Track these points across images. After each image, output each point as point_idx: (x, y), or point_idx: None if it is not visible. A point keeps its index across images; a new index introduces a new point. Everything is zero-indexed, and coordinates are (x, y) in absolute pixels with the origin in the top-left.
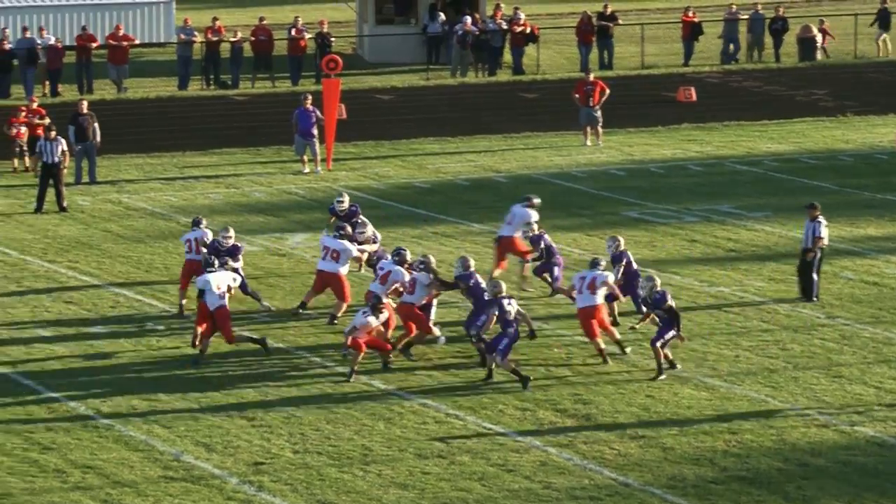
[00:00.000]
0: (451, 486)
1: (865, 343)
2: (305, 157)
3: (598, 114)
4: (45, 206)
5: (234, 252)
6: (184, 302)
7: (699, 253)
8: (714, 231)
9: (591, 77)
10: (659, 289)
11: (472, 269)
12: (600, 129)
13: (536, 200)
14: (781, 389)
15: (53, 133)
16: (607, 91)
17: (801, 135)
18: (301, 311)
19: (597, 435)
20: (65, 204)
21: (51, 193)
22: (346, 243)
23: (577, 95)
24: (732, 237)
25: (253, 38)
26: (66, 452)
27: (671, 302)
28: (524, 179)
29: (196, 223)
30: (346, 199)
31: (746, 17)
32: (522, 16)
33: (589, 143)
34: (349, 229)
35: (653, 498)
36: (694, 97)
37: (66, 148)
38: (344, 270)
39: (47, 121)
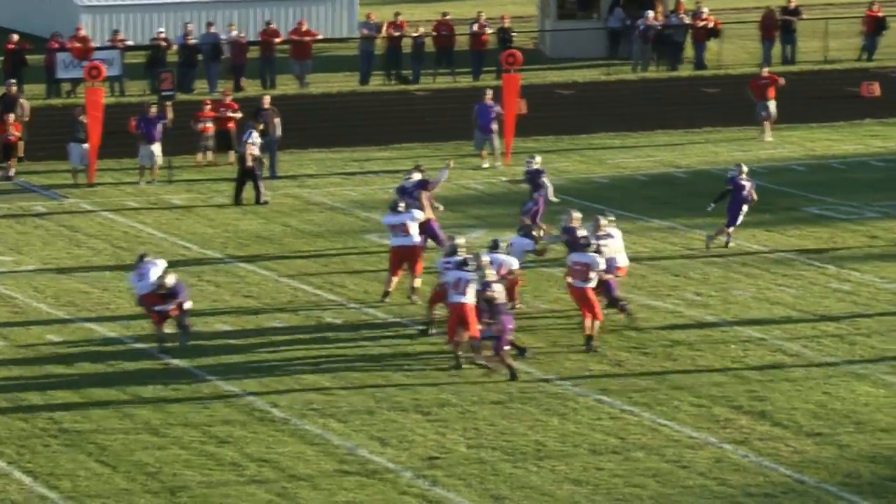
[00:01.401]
0: (624, 482)
1: None
2: (485, 152)
3: (773, 108)
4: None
5: None
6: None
7: (880, 249)
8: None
9: (766, 72)
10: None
11: None
12: (770, 124)
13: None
14: None
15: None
16: (781, 81)
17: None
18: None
19: (772, 432)
20: (263, 199)
21: (248, 190)
22: (406, 214)
23: (752, 90)
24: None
25: (435, 34)
26: (242, 446)
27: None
28: (704, 175)
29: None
30: (417, 175)
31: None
32: (705, 10)
33: (767, 137)
34: (402, 205)
35: (828, 496)
36: (878, 92)
37: (256, 141)
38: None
39: (240, 115)
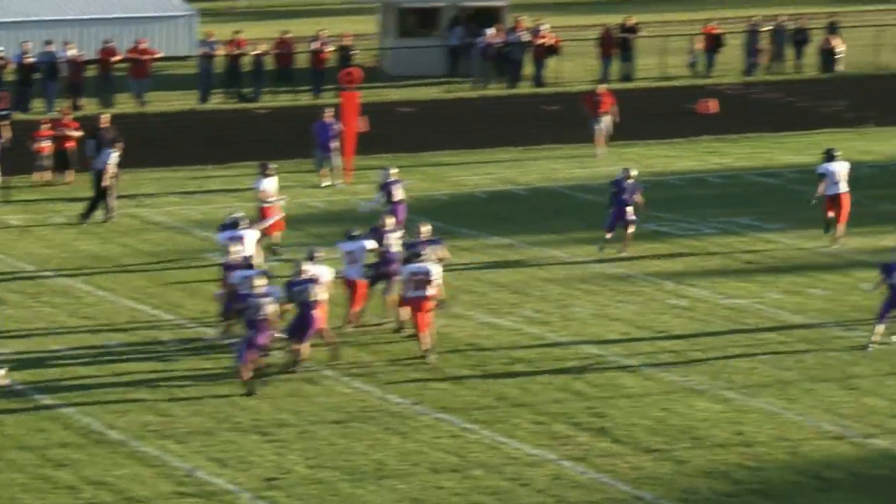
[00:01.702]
0: (464, 500)
1: (881, 355)
2: (325, 170)
3: (607, 124)
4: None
5: None
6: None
7: (716, 265)
8: (732, 243)
9: (600, 89)
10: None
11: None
12: (603, 139)
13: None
14: (796, 402)
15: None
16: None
17: (821, 146)
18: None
19: (611, 448)
20: (112, 215)
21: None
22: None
23: (585, 106)
24: (750, 249)
25: (275, 51)
26: (79, 469)
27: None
28: (544, 192)
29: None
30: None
31: (769, 28)
32: (544, 28)
33: (600, 152)
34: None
35: None
36: (715, 109)
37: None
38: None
39: (80, 133)
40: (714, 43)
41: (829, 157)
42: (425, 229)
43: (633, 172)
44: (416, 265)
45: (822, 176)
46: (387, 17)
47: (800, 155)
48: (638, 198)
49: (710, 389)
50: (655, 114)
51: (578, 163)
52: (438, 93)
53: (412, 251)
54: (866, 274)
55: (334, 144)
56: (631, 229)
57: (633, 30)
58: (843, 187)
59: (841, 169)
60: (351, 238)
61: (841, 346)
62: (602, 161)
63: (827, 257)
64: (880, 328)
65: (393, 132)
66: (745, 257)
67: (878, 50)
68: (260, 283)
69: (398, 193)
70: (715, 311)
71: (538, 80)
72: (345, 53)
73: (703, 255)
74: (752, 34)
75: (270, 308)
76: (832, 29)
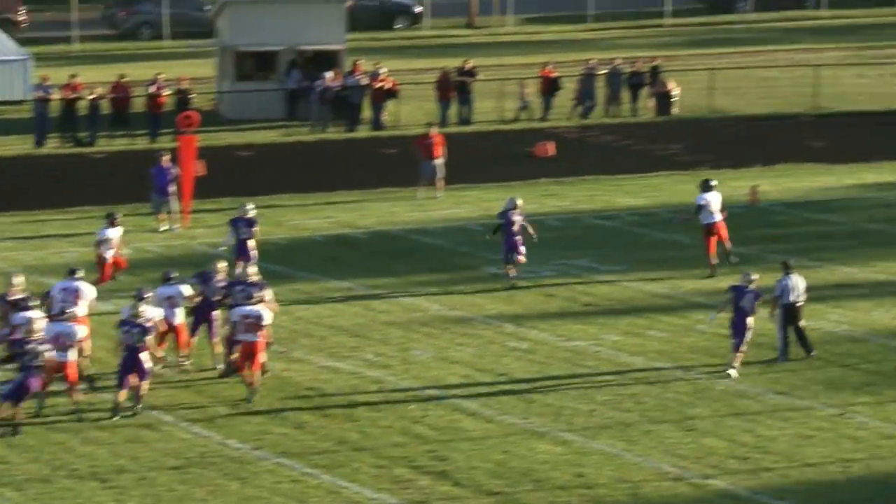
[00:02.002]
0: None
1: (719, 396)
2: (162, 215)
3: (440, 166)
4: None
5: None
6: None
7: (556, 307)
8: (571, 285)
9: (433, 131)
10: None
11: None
12: (441, 182)
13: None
14: (636, 443)
15: None
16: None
17: (657, 189)
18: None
19: (452, 492)
20: None
21: None
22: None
23: (419, 148)
24: (589, 291)
25: (111, 95)
26: None
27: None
28: (383, 235)
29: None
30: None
31: (605, 72)
32: (383, 71)
33: (435, 194)
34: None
35: None
36: (552, 152)
37: None
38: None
39: None
40: (551, 86)
41: (706, 187)
42: (252, 271)
43: (519, 202)
44: (247, 308)
45: (700, 207)
46: (224, 61)
47: (637, 197)
48: (530, 228)
49: (550, 432)
50: (494, 157)
51: (417, 206)
52: (276, 136)
53: (243, 293)
54: (702, 315)
55: (172, 188)
56: (520, 258)
57: (470, 73)
58: (718, 216)
59: (716, 199)
60: (167, 282)
61: (679, 387)
62: (440, 204)
63: (665, 299)
64: (737, 361)
65: (231, 176)
66: (584, 299)
67: (712, 93)
68: (38, 329)
69: (250, 231)
70: (554, 354)
71: (377, 124)
72: (182, 97)
73: (543, 298)
74: (588, 77)
75: (48, 355)
76: (655, 73)
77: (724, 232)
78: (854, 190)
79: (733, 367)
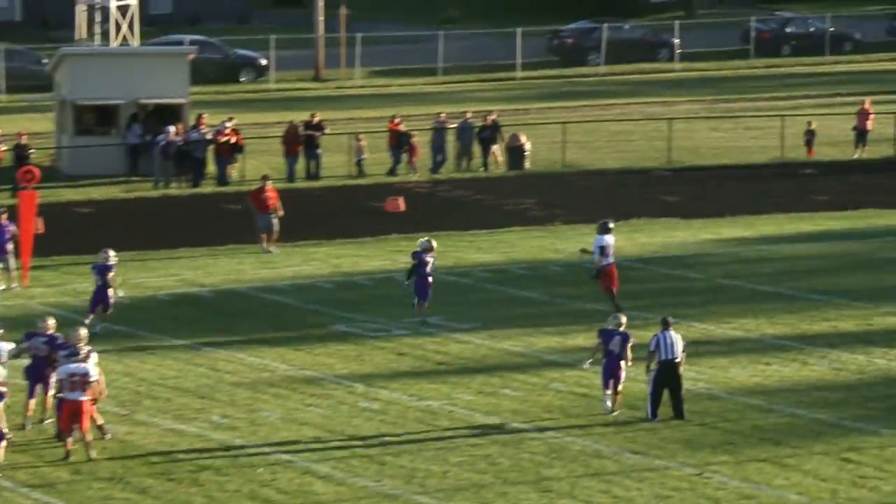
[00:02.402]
0: None
1: (575, 456)
2: (0, 273)
3: (276, 221)
4: None
5: None
6: None
7: (408, 366)
8: (423, 343)
9: (268, 185)
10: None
11: None
12: (275, 237)
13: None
14: None
15: None
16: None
17: (510, 244)
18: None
19: None
20: None
21: None
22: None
23: (253, 203)
24: (442, 349)
25: None
26: None
27: None
28: (229, 293)
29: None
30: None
31: (455, 125)
32: (228, 125)
33: (269, 248)
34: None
35: None
36: (402, 207)
37: None
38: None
39: None
40: (399, 140)
41: (605, 229)
42: (83, 333)
43: (434, 244)
44: (74, 365)
45: (602, 248)
46: (62, 115)
47: (490, 253)
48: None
49: (403, 494)
50: (343, 212)
51: (265, 263)
52: (118, 192)
53: (69, 351)
54: (557, 374)
55: (9, 247)
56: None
57: (318, 127)
58: (611, 259)
59: (613, 242)
60: None
61: (535, 447)
62: (288, 260)
63: (519, 357)
64: (608, 402)
65: (70, 234)
66: (436, 358)
67: (564, 147)
68: None
69: (108, 279)
70: (407, 414)
71: (221, 179)
72: (20, 153)
73: (394, 357)
74: (439, 131)
75: None
76: (495, 128)
77: (616, 279)
78: (710, 245)
79: (608, 405)
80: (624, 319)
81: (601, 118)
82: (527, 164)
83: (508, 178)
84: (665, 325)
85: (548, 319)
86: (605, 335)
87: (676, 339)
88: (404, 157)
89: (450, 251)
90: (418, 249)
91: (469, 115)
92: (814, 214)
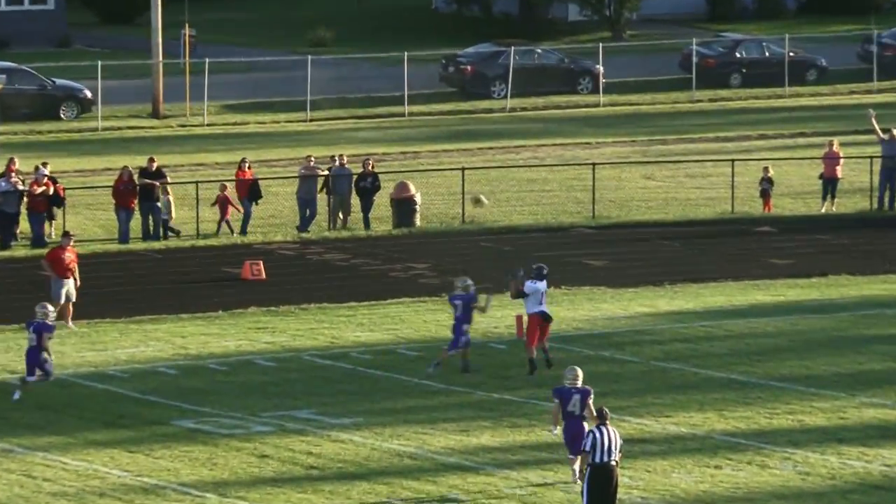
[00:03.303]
0: None
1: None
2: None
3: (72, 289)
4: None
5: None
6: None
7: (272, 471)
8: (290, 443)
9: (69, 244)
10: None
11: None
12: (71, 309)
13: None
14: None
15: None
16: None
17: (398, 320)
18: None
19: None
20: None
21: None
22: None
23: (50, 265)
24: (314, 450)
25: None
26: None
27: None
28: (48, 382)
29: None
30: None
31: (327, 172)
32: (45, 172)
33: (71, 324)
34: None
35: None
36: (263, 274)
37: None
38: None
39: None
40: (252, 190)
41: (540, 274)
42: None
43: (469, 281)
44: None
45: (535, 291)
46: None
47: (372, 331)
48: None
49: None
50: (190, 280)
51: (90, 346)
52: None
53: None
54: (458, 479)
55: None
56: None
57: (158, 174)
58: (545, 307)
59: (544, 288)
60: None
61: None
62: (124, 340)
63: (410, 460)
64: (575, 465)
65: None
66: (307, 461)
67: (463, 199)
68: None
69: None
70: None
71: (38, 239)
72: None
73: (255, 460)
74: (307, 180)
75: None
76: (376, 176)
77: (547, 329)
78: (645, 320)
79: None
80: (580, 372)
81: (508, 163)
82: (417, 221)
83: (395, 237)
84: (602, 418)
85: (446, 412)
86: (561, 395)
87: (614, 436)
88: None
89: (323, 328)
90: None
91: (345, 159)
92: (772, 282)
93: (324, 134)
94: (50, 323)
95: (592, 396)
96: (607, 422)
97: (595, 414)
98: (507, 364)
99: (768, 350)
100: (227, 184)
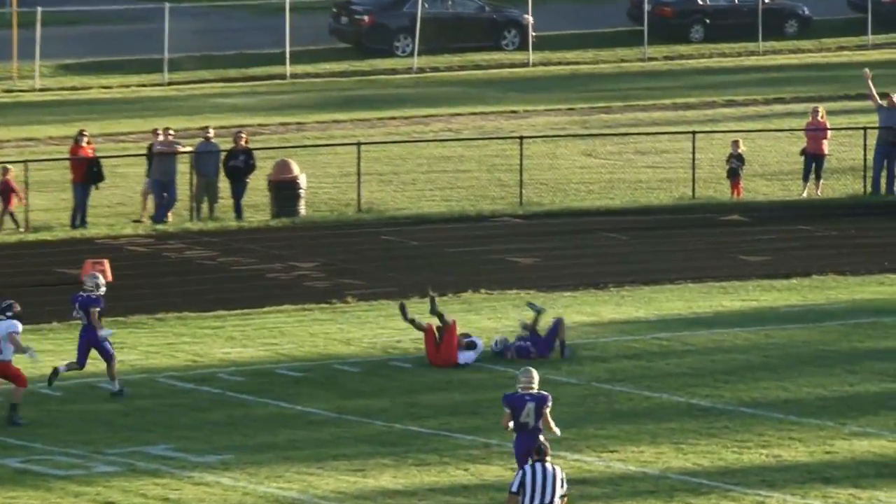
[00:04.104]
0: None
1: None
2: None
3: None
4: None
5: None
6: None
7: None
8: (142, 487)
9: None
10: None
11: None
12: None
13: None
14: None
15: None
16: None
17: (277, 332)
18: None
19: None
20: None
21: None
22: None
23: None
24: (171, 495)
25: None
26: None
27: None
28: None
29: None
30: None
31: (189, 149)
32: None
33: None
34: None
35: None
36: (108, 276)
37: None
38: None
39: None
40: (89, 171)
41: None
42: None
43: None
44: None
45: None
46: None
47: (243, 346)
48: None
49: None
50: (14, 284)
51: None
52: None
53: None
54: None
55: None
56: None
57: None
58: None
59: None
60: None
61: None
62: None
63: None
64: None
65: None
66: None
67: (360, 181)
68: None
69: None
70: None
71: None
72: None
73: None
74: (164, 158)
75: None
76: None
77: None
78: (585, 332)
79: None
80: (536, 376)
81: (416, 137)
82: (302, 209)
83: (274, 229)
84: (539, 454)
85: (337, 447)
86: (513, 403)
87: (553, 474)
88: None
89: (183, 343)
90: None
91: (211, 132)
92: (742, 284)
93: (185, 101)
94: (96, 296)
95: (550, 404)
96: (546, 458)
97: (540, 446)
98: (414, 387)
99: (738, 368)
100: (10, 166)
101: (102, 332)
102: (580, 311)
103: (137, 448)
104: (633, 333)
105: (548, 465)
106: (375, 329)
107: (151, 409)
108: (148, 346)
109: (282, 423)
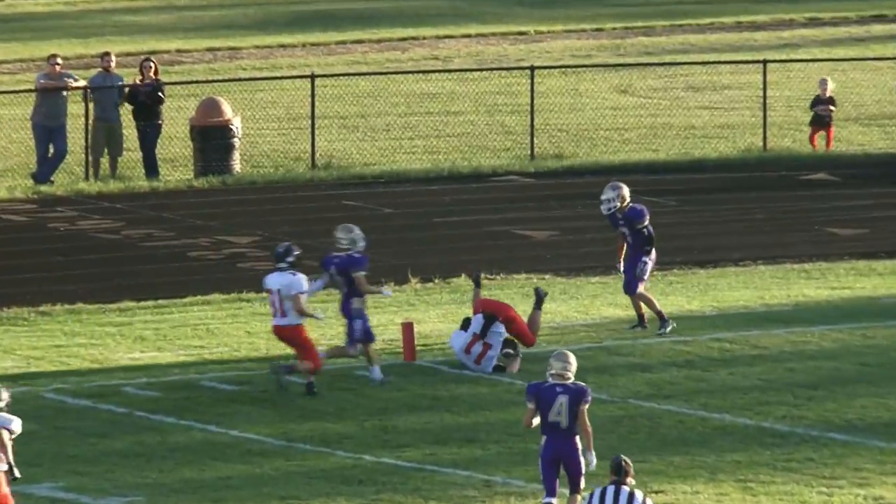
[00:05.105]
0: None
1: None
2: None
3: None
4: None
5: None
6: None
7: None
8: None
9: None
10: None
11: None
12: None
13: None
14: None
15: None
16: None
17: (204, 330)
18: None
19: None
20: None
21: None
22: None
23: None
24: None
25: None
26: None
27: None
28: None
29: None
30: None
31: (84, 83)
32: None
33: None
34: None
35: None
36: None
37: None
38: None
39: None
40: None
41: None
42: None
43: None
44: None
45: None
46: None
47: (158, 350)
48: None
49: None
50: None
51: None
52: None
53: None
54: None
55: None
56: None
57: None
58: None
59: None
60: None
61: None
62: None
63: None
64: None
65: None
66: None
67: (312, 126)
68: None
69: None
70: None
71: None
72: None
73: None
74: (52, 95)
75: None
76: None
77: None
78: (618, 330)
79: None
80: (573, 362)
81: (390, 67)
82: (236, 164)
83: (199, 191)
84: (617, 473)
85: (286, 486)
86: (540, 395)
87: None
88: None
89: (77, 346)
90: None
91: (112, 60)
92: (831, 266)
93: (78, 18)
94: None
95: (590, 399)
96: (627, 480)
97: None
98: (389, 404)
99: (825, 380)
100: None
101: None
102: (611, 302)
103: (15, 488)
104: (684, 333)
105: (625, 488)
106: (336, 326)
107: (36, 434)
108: (29, 349)
109: (210, 453)
